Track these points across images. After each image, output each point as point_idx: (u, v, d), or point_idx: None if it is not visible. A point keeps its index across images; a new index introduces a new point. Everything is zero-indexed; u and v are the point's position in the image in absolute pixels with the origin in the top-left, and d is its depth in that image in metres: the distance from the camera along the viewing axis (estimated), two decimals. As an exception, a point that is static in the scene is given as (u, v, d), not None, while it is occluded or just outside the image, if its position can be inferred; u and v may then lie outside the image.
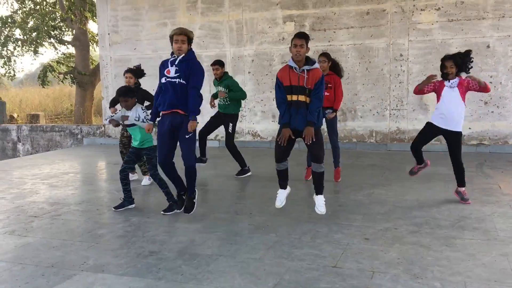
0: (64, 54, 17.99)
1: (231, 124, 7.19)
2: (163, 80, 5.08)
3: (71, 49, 19.30)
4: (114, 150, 10.87)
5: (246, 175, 7.34)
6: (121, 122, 5.55)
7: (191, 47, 5.16)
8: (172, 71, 5.03)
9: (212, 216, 5.24)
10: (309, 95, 4.68)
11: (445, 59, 5.44)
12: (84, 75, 16.31)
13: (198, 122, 5.09)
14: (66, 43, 17.62)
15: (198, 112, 5.06)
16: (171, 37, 5.05)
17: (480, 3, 9.26)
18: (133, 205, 5.63)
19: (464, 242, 4.19)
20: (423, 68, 9.72)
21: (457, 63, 5.33)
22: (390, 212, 5.25)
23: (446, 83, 5.41)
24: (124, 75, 6.90)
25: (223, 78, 7.16)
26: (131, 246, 4.30)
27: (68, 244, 4.40)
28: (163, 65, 5.17)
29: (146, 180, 6.91)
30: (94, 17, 17.68)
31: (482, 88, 5.33)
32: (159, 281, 3.52)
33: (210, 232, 4.67)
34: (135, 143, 5.54)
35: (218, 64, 7.12)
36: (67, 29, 17.62)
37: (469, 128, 9.46)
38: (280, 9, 10.58)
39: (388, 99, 10.03)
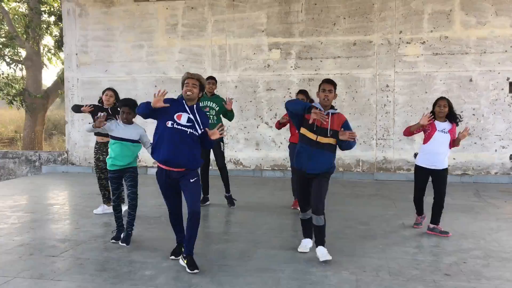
0: (12, 75, 16.50)
1: (222, 144, 7.03)
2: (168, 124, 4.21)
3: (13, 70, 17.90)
4: (83, 179, 10.00)
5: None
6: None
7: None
8: (184, 117, 4.24)
9: (260, 252, 4.79)
10: (332, 136, 4.46)
11: (440, 98, 5.55)
12: (36, 98, 15.03)
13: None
14: (15, 63, 16.26)
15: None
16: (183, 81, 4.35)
17: (463, 38, 9.66)
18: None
19: (548, 275, 4.10)
20: (409, 99, 9.92)
21: (450, 105, 5.45)
22: (441, 244, 5.09)
23: (438, 126, 5.43)
24: (103, 93, 6.37)
25: (215, 96, 6.96)
26: (201, 290, 3.77)
27: (122, 290, 3.77)
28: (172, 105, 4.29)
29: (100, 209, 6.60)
30: (45, 35, 16.56)
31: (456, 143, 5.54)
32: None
33: (274, 270, 4.23)
34: (120, 163, 5.04)
35: (214, 79, 6.98)
36: (14, 48, 16.29)
37: (454, 159, 9.70)
38: (266, 36, 10.41)
39: (375, 128, 10.09)
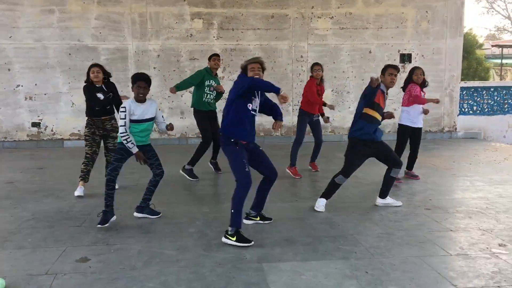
0: None
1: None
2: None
3: None
4: (17, 155, 9.29)
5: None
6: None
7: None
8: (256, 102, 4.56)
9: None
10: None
11: (416, 68, 6.57)
12: None
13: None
14: None
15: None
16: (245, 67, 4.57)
17: (364, 15, 11.08)
18: (115, 217, 4.79)
19: None
20: (320, 68, 11.07)
21: (424, 73, 6.56)
22: (457, 200, 6.29)
23: (419, 91, 6.41)
24: (89, 71, 5.83)
25: (216, 75, 7.14)
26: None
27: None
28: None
29: None
30: None
31: None
32: None
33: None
34: (142, 139, 4.86)
35: (220, 56, 7.09)
36: None
37: (357, 120, 11.21)
38: (188, 6, 10.59)
39: (291, 95, 11.09)
